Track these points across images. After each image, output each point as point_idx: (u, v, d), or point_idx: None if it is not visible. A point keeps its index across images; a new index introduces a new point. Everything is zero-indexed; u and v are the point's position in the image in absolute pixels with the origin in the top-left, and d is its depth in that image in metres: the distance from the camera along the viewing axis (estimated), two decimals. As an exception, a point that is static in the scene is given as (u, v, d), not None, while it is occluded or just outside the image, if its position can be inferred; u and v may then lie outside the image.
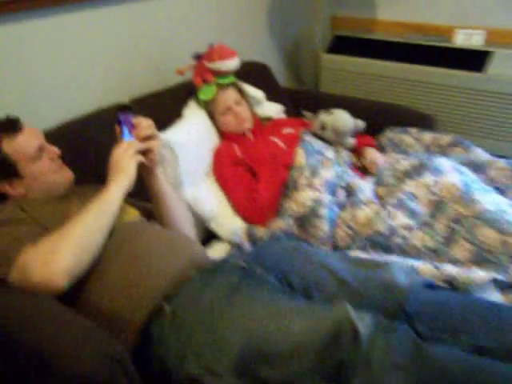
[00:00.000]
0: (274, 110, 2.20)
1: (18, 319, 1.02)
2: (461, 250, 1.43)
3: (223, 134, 1.93)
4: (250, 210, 1.72)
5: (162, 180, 1.43)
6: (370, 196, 1.63)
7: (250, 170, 1.81)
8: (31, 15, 1.62)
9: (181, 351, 1.08)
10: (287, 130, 1.96)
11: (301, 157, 1.77)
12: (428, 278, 1.31)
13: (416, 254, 1.46)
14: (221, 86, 1.90)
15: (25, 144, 1.28)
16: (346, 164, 1.82)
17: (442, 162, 1.64)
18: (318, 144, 1.87)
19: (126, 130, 1.31)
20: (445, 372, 0.96)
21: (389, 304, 1.16)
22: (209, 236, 1.76)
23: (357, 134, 2.00)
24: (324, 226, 1.56)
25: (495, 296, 1.29)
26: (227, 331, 1.07)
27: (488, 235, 1.40)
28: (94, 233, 1.18)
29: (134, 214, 1.41)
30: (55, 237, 1.13)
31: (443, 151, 1.93)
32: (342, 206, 1.63)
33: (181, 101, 1.97)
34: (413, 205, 1.53)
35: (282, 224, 1.61)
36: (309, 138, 1.88)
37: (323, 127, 1.94)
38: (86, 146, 1.63)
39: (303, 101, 2.40)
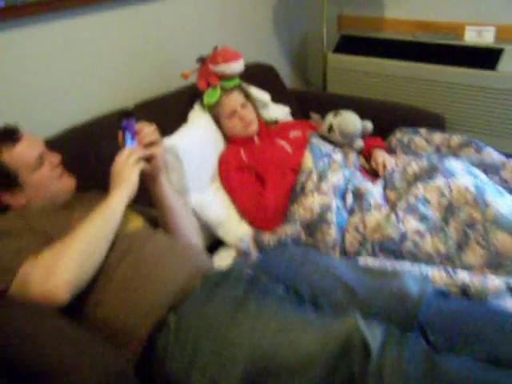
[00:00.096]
0: (280, 112, 2.17)
1: (17, 333, 1.00)
2: (474, 255, 1.39)
3: (229, 138, 1.90)
4: (256, 216, 1.69)
5: (166, 187, 1.41)
6: (379, 200, 1.59)
7: (256, 175, 1.78)
8: (33, 21, 1.61)
9: (186, 364, 1.06)
10: (294, 133, 1.93)
11: (308, 160, 1.73)
12: (440, 285, 1.28)
13: (428, 259, 1.42)
14: (226, 89, 1.87)
15: (24, 153, 1.26)
16: (354, 167, 1.79)
17: (454, 165, 1.59)
18: (325, 147, 1.83)
19: (128, 137, 1.29)
20: (458, 386, 0.93)
21: (400, 314, 1.13)
22: (215, 242, 1.74)
23: (365, 135, 1.96)
24: (332, 232, 1.52)
25: (511, 303, 1.24)
26: (233, 345, 1.04)
27: (502, 240, 1.36)
28: (96, 243, 1.16)
29: (137, 222, 1.38)
30: (56, 248, 1.11)
31: (454, 152, 1.89)
32: (350, 211, 1.60)
33: (186, 105, 1.95)
34: (424, 209, 1.49)
35: (289, 230, 1.58)
36: (316, 141, 1.84)
37: (331, 129, 1.91)
38: (88, 152, 1.62)
39: (310, 102, 2.37)
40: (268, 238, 1.61)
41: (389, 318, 1.11)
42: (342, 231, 1.55)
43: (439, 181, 1.53)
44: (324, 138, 1.92)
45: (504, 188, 1.56)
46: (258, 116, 1.96)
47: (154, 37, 2.02)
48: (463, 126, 2.29)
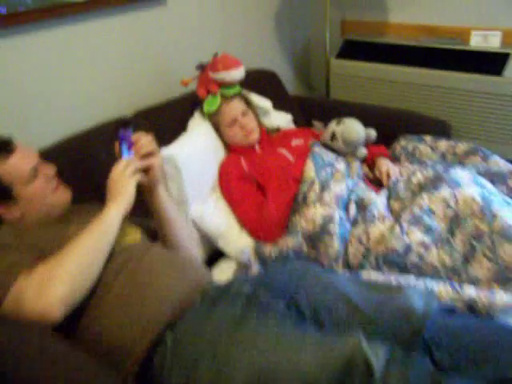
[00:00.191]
0: (282, 119, 2.14)
1: (7, 352, 0.97)
2: (481, 268, 1.35)
3: (229, 147, 1.87)
4: (258, 227, 1.66)
5: (164, 198, 1.38)
6: (383, 211, 1.55)
7: (257, 185, 1.75)
8: (35, 28, 1.59)
9: (183, 382, 1.03)
10: (296, 142, 1.90)
11: (310, 170, 1.70)
12: (446, 301, 1.24)
13: (433, 272, 1.38)
14: (226, 97, 1.84)
15: (18, 166, 1.23)
16: (357, 176, 1.75)
17: (460, 174, 1.55)
18: (328, 156, 1.80)
19: (124, 148, 1.27)
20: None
21: (404, 331, 1.10)
22: (216, 254, 1.70)
23: (368, 143, 1.93)
24: (335, 244, 1.49)
25: (520, 320, 1.21)
26: (232, 364, 1.01)
27: (510, 252, 1.32)
28: (91, 259, 1.13)
29: (135, 235, 1.36)
30: (50, 264, 1.09)
31: (460, 160, 1.85)
32: (353, 222, 1.56)
33: (186, 113, 1.92)
34: (429, 220, 1.45)
35: (291, 242, 1.54)
36: (318, 150, 1.81)
37: (333, 137, 1.87)
38: (85, 162, 1.59)
39: (313, 109, 2.34)
40: (269, 249, 1.58)
41: (393, 334, 1.09)
42: (345, 243, 1.51)
43: (445, 191, 1.49)
44: (326, 147, 1.89)
45: (512, 198, 1.52)
46: (260, 124, 1.93)
47: (154, 43, 2.00)
48: (469, 133, 2.26)
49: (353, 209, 1.59)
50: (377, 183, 1.81)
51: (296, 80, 2.92)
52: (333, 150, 1.89)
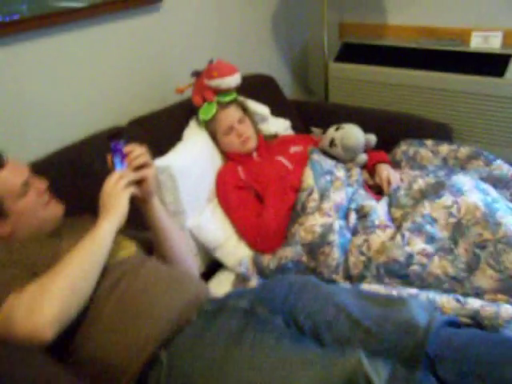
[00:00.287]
0: (280, 126, 2.10)
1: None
2: (485, 277, 1.32)
3: (226, 155, 1.84)
4: (256, 237, 1.62)
5: (159, 211, 1.35)
6: (384, 219, 1.52)
7: (255, 193, 1.72)
8: (22, 38, 1.56)
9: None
10: (294, 149, 1.87)
11: (309, 178, 1.67)
12: (450, 314, 1.21)
13: (436, 282, 1.35)
14: (222, 104, 1.80)
15: (8, 180, 1.20)
16: (357, 183, 1.71)
17: (462, 180, 1.51)
18: (327, 163, 1.76)
19: (117, 160, 1.24)
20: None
21: (407, 346, 1.06)
22: (214, 265, 1.67)
23: (368, 149, 1.89)
24: (335, 254, 1.45)
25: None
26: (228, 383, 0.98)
27: (515, 261, 1.28)
28: (83, 277, 1.10)
29: (130, 249, 1.32)
30: (42, 282, 1.06)
31: (462, 164, 1.82)
32: (354, 231, 1.53)
33: (181, 121, 1.89)
34: (431, 229, 1.42)
35: (290, 252, 1.51)
36: (317, 157, 1.77)
37: (332, 143, 1.84)
38: (78, 174, 1.56)
39: (312, 113, 2.31)
40: (268, 260, 1.55)
41: (395, 350, 1.05)
42: (346, 253, 1.48)
43: (447, 199, 1.45)
44: (325, 153, 1.85)
45: (516, 204, 1.49)
46: (257, 131, 1.90)
47: (148, 50, 1.97)
48: (471, 137, 2.23)
49: (353, 217, 1.56)
50: (377, 190, 1.78)
51: (294, 84, 2.88)
52: (332, 156, 1.86)
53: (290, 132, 2.15)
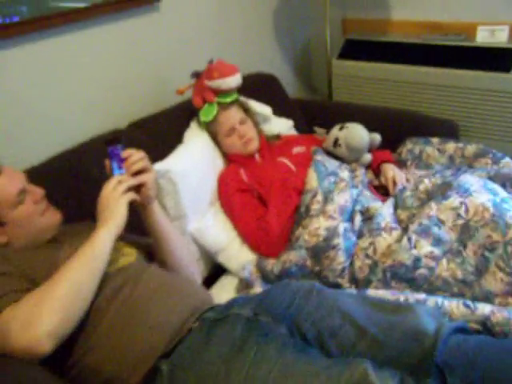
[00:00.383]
0: (283, 126, 2.07)
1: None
2: (495, 280, 1.28)
3: (228, 157, 1.80)
4: (259, 241, 1.59)
5: (159, 216, 1.33)
6: (390, 221, 1.48)
7: (258, 196, 1.68)
8: (19, 41, 1.53)
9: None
10: (297, 149, 1.83)
11: (313, 180, 1.63)
12: (459, 320, 1.17)
13: (444, 286, 1.32)
14: (223, 105, 1.77)
15: (4, 189, 1.18)
16: (362, 184, 1.68)
17: (469, 180, 1.47)
18: (330, 164, 1.73)
19: (115, 165, 1.22)
20: None
21: (415, 354, 1.03)
22: (216, 270, 1.64)
23: (373, 148, 1.85)
24: (340, 258, 1.42)
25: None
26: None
27: (526, 264, 1.25)
28: (82, 287, 1.07)
29: (130, 256, 1.30)
30: (39, 294, 1.03)
31: (469, 162, 1.79)
32: (359, 234, 1.49)
33: (182, 122, 1.86)
34: (438, 231, 1.38)
35: (293, 256, 1.47)
36: (321, 158, 1.74)
37: (336, 143, 1.80)
38: (76, 179, 1.53)
39: (315, 112, 2.28)
40: (271, 264, 1.51)
41: (402, 358, 1.02)
42: (351, 256, 1.44)
43: (454, 200, 1.41)
44: (329, 154, 1.82)
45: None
46: (259, 132, 1.86)
47: (148, 51, 1.94)
48: (478, 133, 2.19)
49: (358, 219, 1.52)
50: (382, 190, 1.74)
51: (297, 82, 2.85)
52: (336, 156, 1.82)
53: (292, 132, 2.12)
